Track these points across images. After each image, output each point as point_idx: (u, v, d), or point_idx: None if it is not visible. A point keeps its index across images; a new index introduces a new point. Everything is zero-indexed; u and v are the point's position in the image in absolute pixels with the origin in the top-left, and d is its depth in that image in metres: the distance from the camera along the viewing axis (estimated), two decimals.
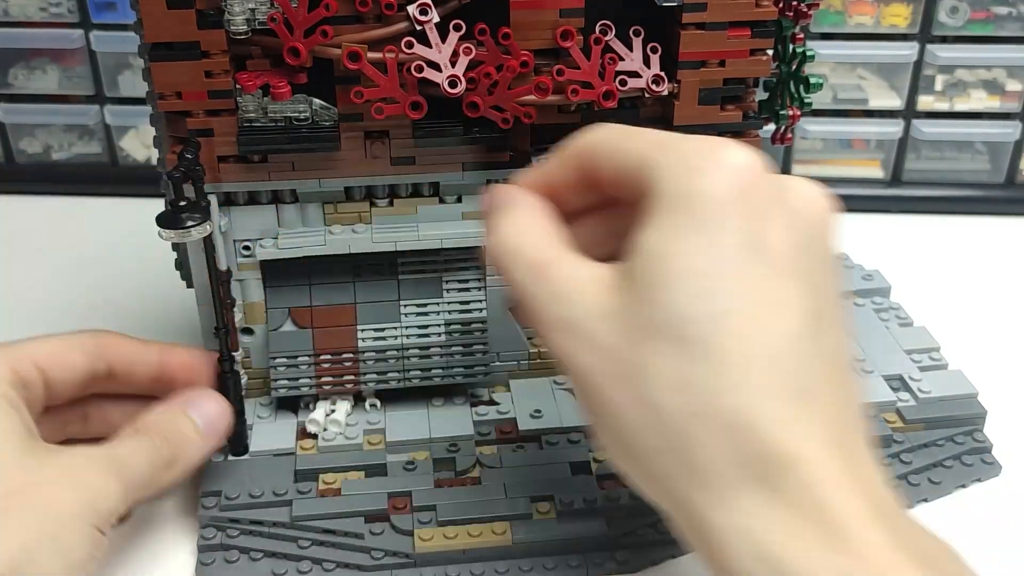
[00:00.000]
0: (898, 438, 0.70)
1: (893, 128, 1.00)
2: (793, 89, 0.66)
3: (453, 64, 0.59)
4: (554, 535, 0.63)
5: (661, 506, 0.47)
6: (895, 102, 0.99)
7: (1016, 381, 0.78)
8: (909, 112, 0.99)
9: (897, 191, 1.02)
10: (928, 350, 0.77)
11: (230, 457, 0.68)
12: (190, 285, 0.69)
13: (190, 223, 0.60)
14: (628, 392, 0.45)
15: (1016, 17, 0.96)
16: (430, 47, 0.59)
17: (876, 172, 1.03)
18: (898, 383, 0.74)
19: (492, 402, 0.72)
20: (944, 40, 0.96)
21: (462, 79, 0.59)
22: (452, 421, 0.70)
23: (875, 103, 1.00)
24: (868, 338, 0.78)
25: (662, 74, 0.63)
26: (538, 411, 0.70)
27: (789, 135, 0.69)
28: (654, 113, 0.66)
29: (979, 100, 0.99)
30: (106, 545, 0.53)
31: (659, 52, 0.63)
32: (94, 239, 0.92)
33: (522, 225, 0.51)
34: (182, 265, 0.69)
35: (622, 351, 0.45)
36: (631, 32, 0.62)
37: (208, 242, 0.61)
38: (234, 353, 0.68)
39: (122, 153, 1.04)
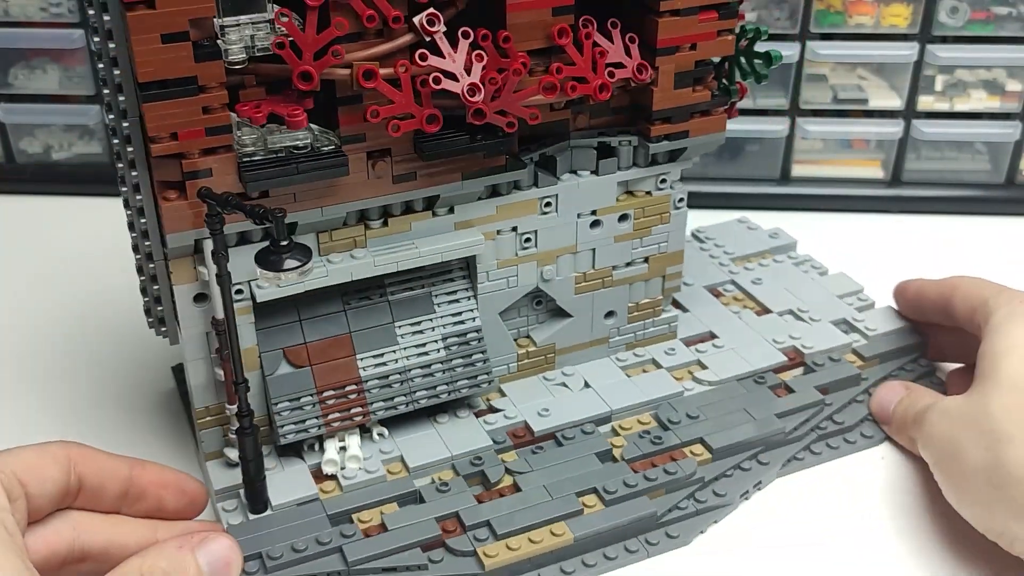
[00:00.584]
0: (864, 375, 0.76)
1: (893, 128, 0.99)
2: (745, 64, 0.69)
3: (468, 72, 0.58)
4: (610, 523, 0.64)
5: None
6: (895, 102, 0.99)
7: None
8: (909, 112, 0.99)
9: (897, 191, 1.01)
10: (855, 292, 0.84)
11: (251, 516, 0.63)
12: (174, 342, 0.64)
13: (295, 262, 0.54)
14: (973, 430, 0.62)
15: (1016, 17, 0.95)
16: (443, 57, 0.58)
17: (876, 172, 1.02)
18: (845, 327, 0.80)
19: (494, 409, 0.71)
20: (944, 40, 0.96)
21: (481, 87, 0.58)
22: (465, 435, 0.69)
23: (875, 103, 0.99)
24: (801, 290, 0.83)
25: (645, 63, 0.64)
26: (545, 410, 0.71)
27: (735, 110, 0.73)
28: (620, 103, 0.68)
29: (979, 100, 0.98)
30: None
31: (636, 42, 0.64)
32: (94, 239, 0.92)
33: None
34: (149, 312, 0.64)
35: (971, 407, 0.63)
36: (609, 24, 0.64)
37: (226, 283, 0.57)
38: (231, 406, 0.64)
39: None
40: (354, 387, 0.67)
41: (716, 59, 0.69)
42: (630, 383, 0.74)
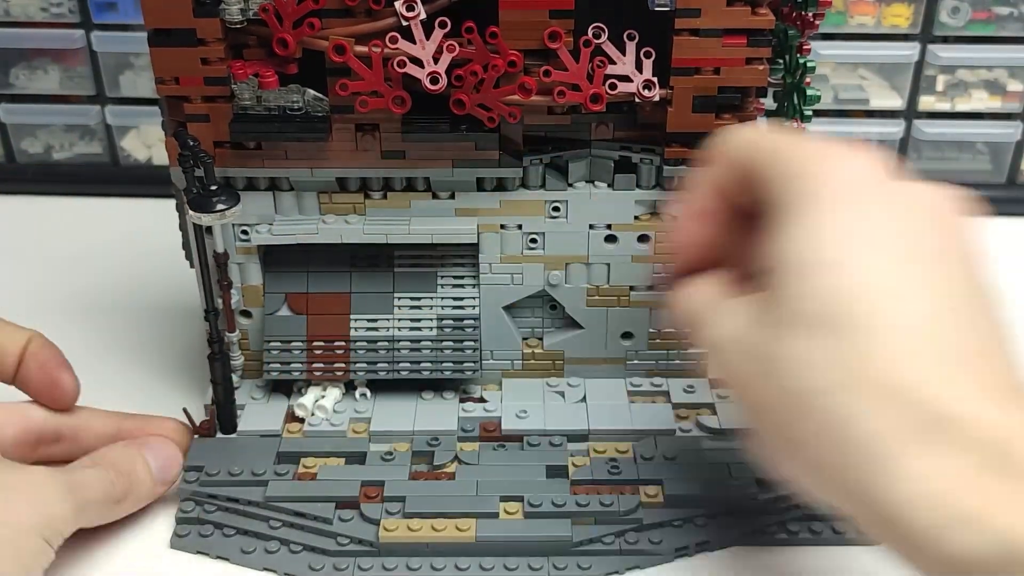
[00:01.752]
0: None
1: (894, 128, 0.99)
2: (796, 100, 0.64)
3: (436, 61, 0.59)
4: (518, 535, 0.63)
5: (835, 502, 0.46)
6: (896, 102, 0.99)
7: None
8: (910, 112, 0.99)
9: None
10: None
11: (219, 435, 0.69)
12: (193, 266, 0.71)
13: (222, 206, 0.61)
14: (772, 384, 0.46)
15: (1017, 17, 0.95)
16: (414, 43, 0.59)
17: None
18: None
19: (482, 399, 0.72)
20: (945, 40, 0.96)
21: (443, 76, 0.59)
22: (438, 415, 0.71)
23: (876, 103, 0.99)
24: None
25: (653, 79, 0.62)
26: (524, 411, 0.70)
27: None
28: (652, 118, 0.65)
29: (980, 100, 0.99)
30: (52, 559, 0.56)
31: (652, 57, 0.62)
32: (95, 239, 0.92)
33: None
34: (187, 247, 0.71)
35: (761, 348, 0.47)
36: (625, 36, 0.62)
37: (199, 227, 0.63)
38: (231, 334, 0.70)
39: (123, 153, 1.04)
40: (342, 344, 0.71)
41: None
42: (627, 408, 0.71)
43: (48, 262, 0.92)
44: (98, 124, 1.03)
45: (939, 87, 0.99)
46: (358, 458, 0.68)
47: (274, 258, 0.70)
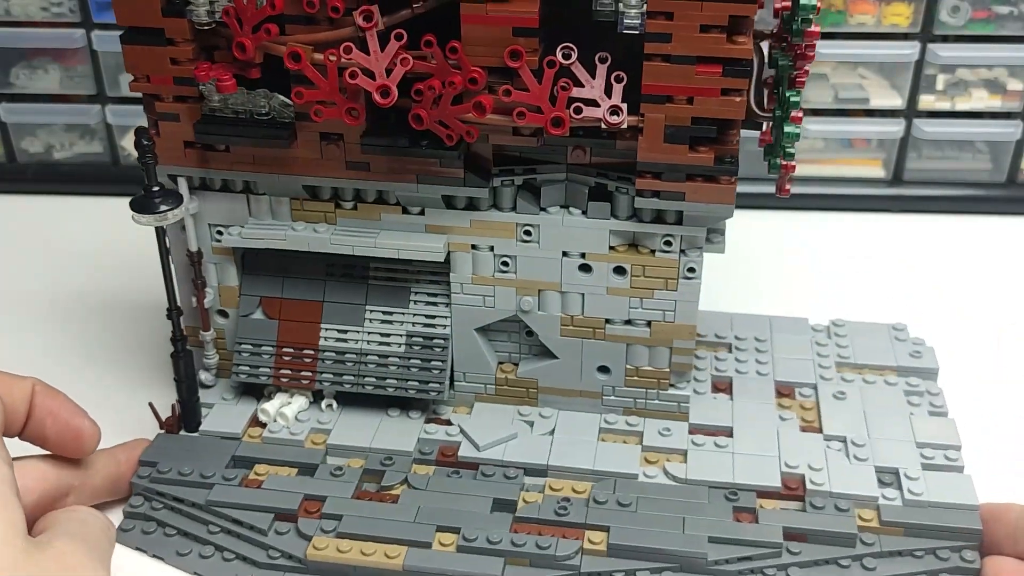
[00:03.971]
0: (867, 539, 0.62)
1: (894, 127, 0.98)
2: (779, 137, 0.60)
3: (389, 73, 0.58)
4: (446, 569, 0.60)
5: None
6: (896, 101, 0.98)
7: (1015, 383, 0.76)
8: (910, 111, 0.98)
9: (898, 191, 1.01)
10: (946, 447, 0.68)
11: (182, 432, 0.70)
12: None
13: (164, 208, 0.62)
14: None
15: (1017, 16, 0.94)
16: (368, 54, 0.58)
17: (877, 171, 1.01)
18: (891, 477, 0.65)
19: (448, 422, 0.70)
20: (945, 39, 0.95)
21: (394, 89, 0.57)
22: (398, 435, 0.69)
23: (876, 102, 0.98)
24: (880, 422, 0.69)
25: (621, 105, 0.58)
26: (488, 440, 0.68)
27: (787, 187, 0.63)
28: (631, 147, 0.62)
29: (980, 99, 0.98)
30: None
31: (623, 82, 0.58)
32: (95, 239, 0.92)
33: None
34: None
35: None
36: (596, 58, 0.58)
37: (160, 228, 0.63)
38: (205, 333, 0.70)
39: (123, 153, 1.04)
40: (310, 352, 0.70)
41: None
42: (593, 447, 0.68)
43: (48, 262, 0.93)
44: (98, 124, 1.02)
45: (939, 86, 0.97)
46: (309, 470, 0.67)
47: (252, 261, 0.70)
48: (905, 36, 0.95)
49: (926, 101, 0.97)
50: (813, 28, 0.57)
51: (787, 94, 0.59)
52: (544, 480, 0.66)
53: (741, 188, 0.96)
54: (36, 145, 1.05)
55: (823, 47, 0.89)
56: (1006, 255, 0.95)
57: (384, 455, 0.67)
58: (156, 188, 0.60)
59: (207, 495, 0.65)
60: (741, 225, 0.93)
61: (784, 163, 0.61)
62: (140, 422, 0.71)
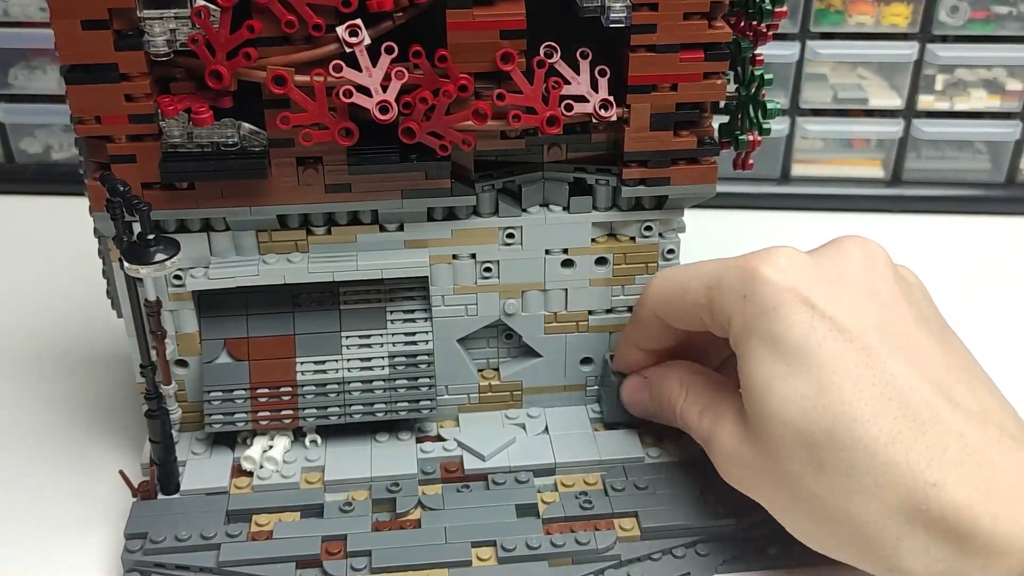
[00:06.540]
0: None
1: (893, 128, 0.99)
2: (752, 114, 0.62)
3: (385, 88, 0.56)
4: None
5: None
6: (895, 101, 0.99)
7: (1018, 380, 0.74)
8: (909, 112, 0.99)
9: (897, 191, 1.02)
10: None
11: (160, 496, 0.65)
12: (120, 315, 0.66)
13: (161, 256, 0.56)
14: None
15: (1016, 16, 0.95)
16: (360, 71, 0.56)
17: (876, 172, 1.02)
18: None
19: (439, 438, 0.69)
20: (944, 39, 0.96)
21: (394, 105, 0.56)
22: (396, 459, 0.67)
23: (875, 103, 0.99)
24: None
25: (610, 99, 0.59)
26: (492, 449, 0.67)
27: (751, 161, 0.66)
28: (607, 138, 0.63)
29: (979, 99, 0.99)
30: None
31: (608, 75, 0.59)
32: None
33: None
34: (112, 295, 0.66)
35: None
36: (578, 54, 0.59)
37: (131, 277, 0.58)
38: (166, 387, 0.65)
39: None
40: (288, 389, 0.66)
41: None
42: (591, 438, 0.69)
43: (47, 262, 0.92)
44: None
45: (938, 86, 0.98)
46: (315, 511, 0.64)
47: (209, 302, 0.66)
48: (904, 36, 0.95)
49: (925, 101, 0.98)
50: (782, 8, 0.59)
51: (757, 72, 0.61)
52: (553, 478, 0.66)
53: (741, 188, 0.99)
54: (35, 146, 1.04)
55: (822, 47, 0.94)
56: (1005, 255, 0.95)
57: (388, 482, 0.65)
58: (151, 236, 0.55)
59: (217, 556, 0.61)
60: (741, 225, 0.97)
61: (752, 139, 0.63)
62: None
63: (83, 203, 0.62)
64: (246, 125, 0.59)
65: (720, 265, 0.59)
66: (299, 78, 0.56)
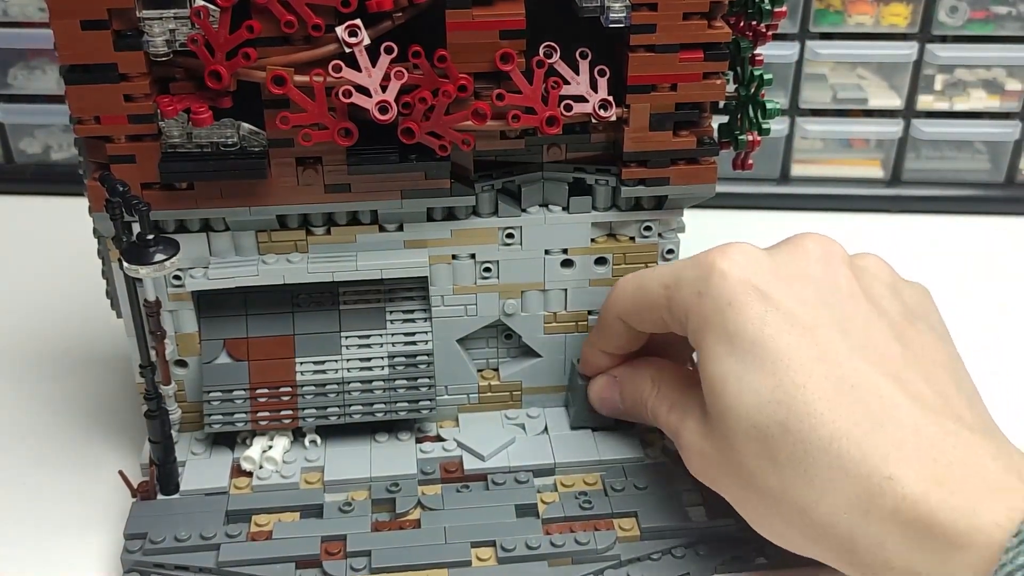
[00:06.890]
0: None
1: (893, 128, 0.99)
2: (752, 114, 0.62)
3: (384, 89, 0.56)
4: None
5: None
6: (895, 102, 0.99)
7: (1017, 380, 0.77)
8: (909, 112, 0.99)
9: (897, 191, 1.02)
10: None
11: (160, 496, 0.65)
12: (120, 315, 0.66)
13: (160, 256, 0.56)
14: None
15: (1016, 17, 0.96)
16: (359, 71, 0.56)
17: (876, 172, 1.03)
18: None
19: (439, 438, 0.69)
20: (944, 40, 0.96)
21: (393, 105, 0.56)
22: (395, 459, 0.67)
23: (875, 103, 0.99)
24: None
25: (610, 99, 0.59)
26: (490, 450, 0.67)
27: (750, 161, 0.66)
28: (606, 138, 0.63)
29: (979, 100, 0.99)
30: None
31: (607, 75, 0.59)
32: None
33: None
34: (112, 296, 0.66)
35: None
36: (577, 54, 0.59)
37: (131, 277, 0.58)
38: (166, 387, 0.65)
39: None
40: (288, 390, 0.66)
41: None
42: (591, 438, 0.68)
43: (47, 262, 0.92)
44: None
45: (937, 86, 0.98)
46: (314, 511, 0.64)
47: (209, 303, 0.66)
48: (903, 36, 0.96)
49: (925, 101, 0.98)
50: (782, 8, 0.59)
51: (756, 72, 0.61)
52: (553, 478, 0.66)
53: (741, 188, 1.00)
54: (34, 146, 1.04)
55: (822, 47, 0.94)
56: (1005, 255, 0.95)
57: (388, 482, 0.65)
58: (151, 236, 0.55)
59: (217, 557, 0.61)
60: (741, 225, 0.96)
61: (752, 139, 0.63)
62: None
63: (83, 203, 0.62)
64: (245, 125, 0.59)
65: (678, 264, 0.59)
66: (298, 78, 0.56)
